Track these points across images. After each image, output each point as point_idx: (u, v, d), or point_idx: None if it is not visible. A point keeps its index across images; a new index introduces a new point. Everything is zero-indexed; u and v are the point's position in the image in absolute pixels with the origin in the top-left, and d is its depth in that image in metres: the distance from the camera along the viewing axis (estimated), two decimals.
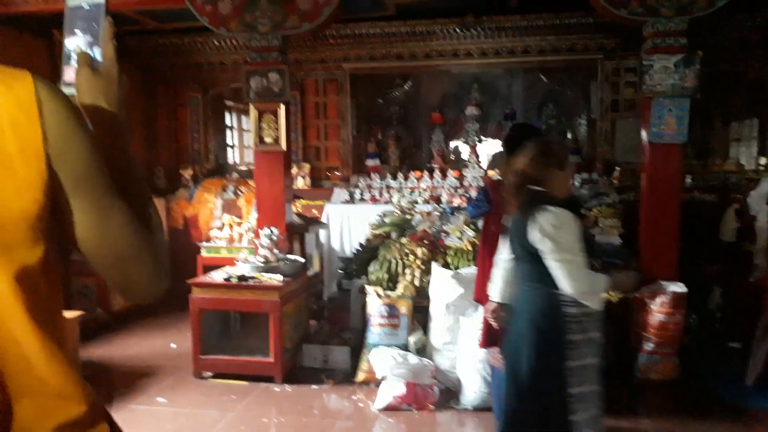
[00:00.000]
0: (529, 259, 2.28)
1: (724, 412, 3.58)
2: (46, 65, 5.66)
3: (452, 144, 7.32)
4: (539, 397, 2.25)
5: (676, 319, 3.85)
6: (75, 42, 0.94)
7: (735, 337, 4.50)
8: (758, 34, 5.88)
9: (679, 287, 3.91)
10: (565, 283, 2.16)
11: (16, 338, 0.65)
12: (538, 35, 6.32)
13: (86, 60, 0.90)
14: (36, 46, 5.65)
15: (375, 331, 4.08)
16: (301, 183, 6.91)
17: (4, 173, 0.64)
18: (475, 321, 3.63)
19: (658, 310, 3.84)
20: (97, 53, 0.93)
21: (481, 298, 3.09)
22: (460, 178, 6.50)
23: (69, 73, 0.92)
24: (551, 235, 2.17)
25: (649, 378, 3.94)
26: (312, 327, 4.80)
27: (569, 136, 6.86)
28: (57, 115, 0.68)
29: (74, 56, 0.93)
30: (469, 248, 4.31)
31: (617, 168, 6.13)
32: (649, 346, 3.89)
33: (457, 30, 6.36)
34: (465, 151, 7.11)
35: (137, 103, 7.02)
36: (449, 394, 3.82)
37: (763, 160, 6.39)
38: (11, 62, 0.79)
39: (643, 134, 4.27)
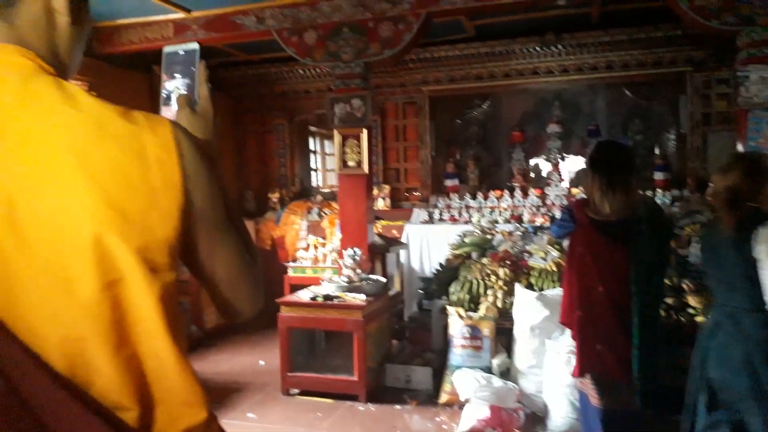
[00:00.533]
0: (750, 278, 2.25)
1: None
2: (146, 98, 6.11)
3: (533, 162, 7.22)
4: None
5: None
6: (173, 84, 1.04)
7: None
8: None
9: None
10: None
11: (157, 352, 0.74)
12: (621, 50, 6.16)
13: (186, 101, 1.00)
14: (137, 80, 6.13)
15: (457, 352, 4.07)
16: (381, 204, 7.03)
17: (152, 205, 0.74)
18: (561, 344, 3.55)
19: None
20: (194, 94, 1.02)
21: (568, 321, 3.02)
22: (542, 196, 6.40)
23: (166, 113, 1.02)
24: None
25: None
26: (394, 347, 4.85)
27: (657, 151, 6.59)
28: (191, 154, 0.79)
29: (173, 98, 1.02)
30: (554, 269, 4.23)
31: (710, 184, 5.81)
32: None
33: (538, 48, 6.32)
34: (546, 169, 6.99)
35: (228, 131, 7.43)
36: (535, 418, 3.74)
37: None
38: (115, 96, 0.90)
39: (739, 148, 4.06)
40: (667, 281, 3.78)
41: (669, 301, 3.73)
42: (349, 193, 4.94)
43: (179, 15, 5.03)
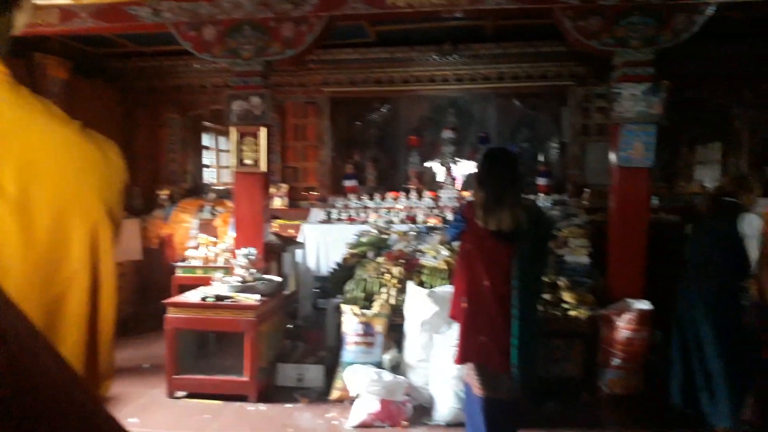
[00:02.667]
0: None
1: (685, 425, 3.66)
2: (26, 86, 5.65)
3: (428, 165, 7.46)
4: None
5: (642, 335, 3.95)
6: None
7: None
8: (721, 65, 6.14)
9: (644, 305, 4.02)
10: None
11: (108, 327, 0.84)
12: (512, 62, 6.53)
13: None
14: (15, 67, 5.64)
15: (350, 349, 4.12)
16: (278, 203, 6.95)
17: (119, 201, 0.86)
18: (449, 338, 3.70)
19: (624, 327, 3.94)
20: None
21: (457, 315, 3.15)
22: (436, 198, 6.62)
23: None
24: None
25: (615, 392, 4.02)
26: (287, 346, 4.81)
27: (541, 158, 7.04)
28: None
29: None
30: (444, 267, 4.39)
31: (586, 190, 6.30)
32: (615, 362, 3.98)
33: (435, 57, 6.55)
34: (441, 173, 7.25)
35: (116, 124, 7.03)
36: (423, 410, 3.86)
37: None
38: None
39: (612, 158, 4.41)
40: (544, 278, 4.05)
41: (545, 296, 3.99)
42: (245, 192, 4.84)
43: (66, 0, 4.68)
